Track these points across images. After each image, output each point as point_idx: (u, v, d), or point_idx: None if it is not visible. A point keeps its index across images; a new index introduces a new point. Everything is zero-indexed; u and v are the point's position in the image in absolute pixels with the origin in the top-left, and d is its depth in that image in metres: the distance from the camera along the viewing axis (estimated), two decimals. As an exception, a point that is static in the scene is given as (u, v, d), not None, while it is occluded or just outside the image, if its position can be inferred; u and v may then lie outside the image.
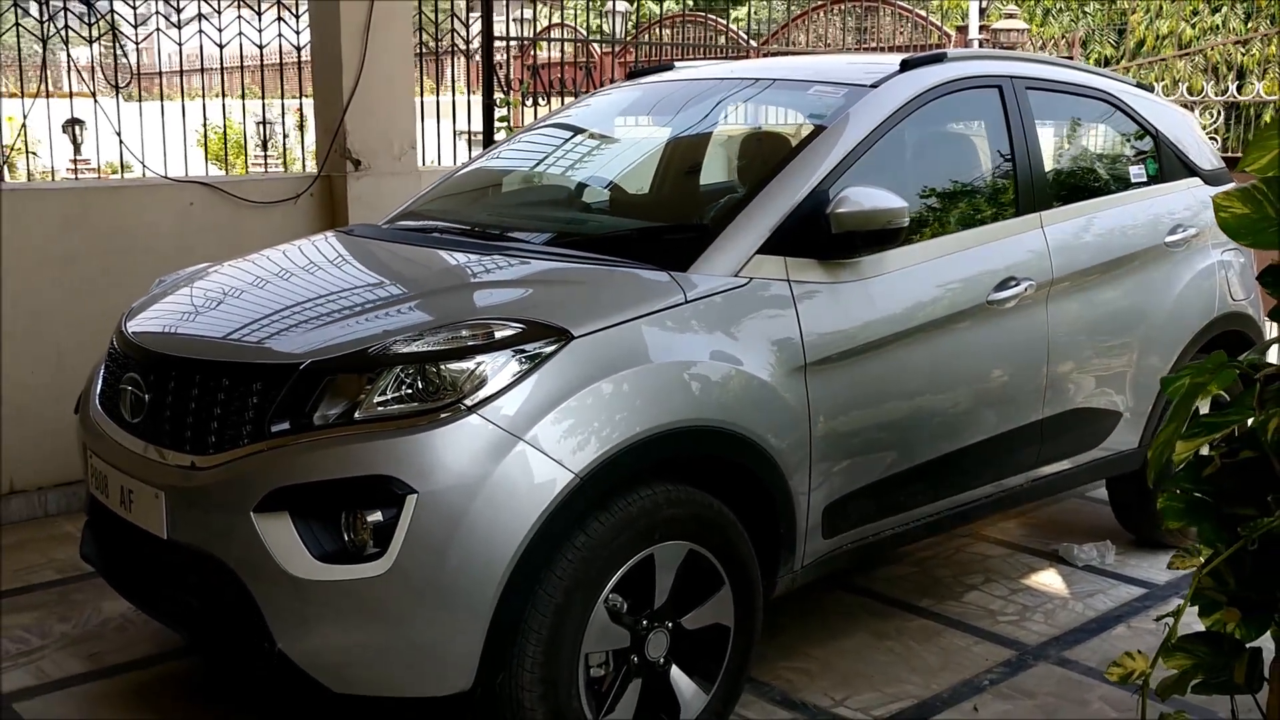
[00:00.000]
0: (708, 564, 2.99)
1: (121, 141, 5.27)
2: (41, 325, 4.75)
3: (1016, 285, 3.71)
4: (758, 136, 3.93)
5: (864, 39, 9.96)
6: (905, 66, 3.74)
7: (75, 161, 11.05)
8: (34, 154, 11.24)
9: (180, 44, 5.74)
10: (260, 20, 5.79)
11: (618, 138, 4.26)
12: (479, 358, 2.69)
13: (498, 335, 2.74)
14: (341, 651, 2.65)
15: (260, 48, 5.79)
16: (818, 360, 3.17)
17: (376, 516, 2.58)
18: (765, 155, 3.66)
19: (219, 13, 5.76)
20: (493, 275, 3.17)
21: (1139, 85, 4.71)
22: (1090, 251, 4.04)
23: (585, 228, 3.69)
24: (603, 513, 2.76)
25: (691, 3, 20.66)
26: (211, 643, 2.91)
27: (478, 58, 6.32)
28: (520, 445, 2.62)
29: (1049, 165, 4.07)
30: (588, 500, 2.70)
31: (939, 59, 3.84)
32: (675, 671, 2.99)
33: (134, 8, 5.75)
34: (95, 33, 5.58)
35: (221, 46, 5.68)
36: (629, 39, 11.47)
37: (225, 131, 10.05)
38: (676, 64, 4.59)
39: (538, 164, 4.19)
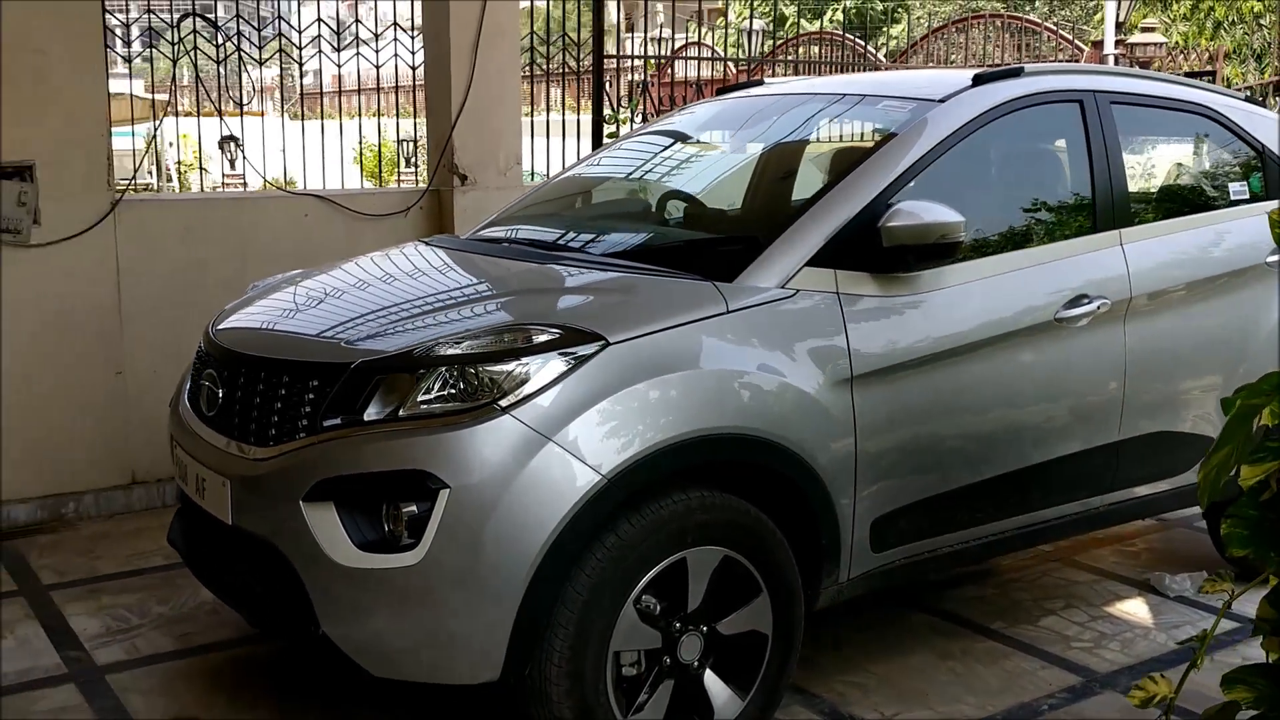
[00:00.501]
0: (744, 570, 3.03)
1: (245, 157, 5.59)
2: (165, 326, 5.06)
3: (1089, 303, 3.64)
4: (822, 151, 3.95)
5: (998, 55, 9.79)
6: (977, 81, 3.71)
7: (227, 176, 11.67)
8: (205, 170, 11.95)
9: (339, 65, 6.10)
10: (412, 44, 6.11)
11: (694, 151, 4.34)
12: (517, 361, 2.80)
13: (536, 340, 2.85)
14: (378, 636, 2.79)
15: (413, 69, 6.09)
16: (865, 373, 3.18)
17: (412, 509, 2.71)
18: (826, 169, 3.68)
19: (376, 36, 6.11)
20: (544, 284, 3.29)
21: (1249, 100, 4.55)
22: (1177, 270, 3.93)
23: (646, 239, 3.76)
24: (634, 515, 2.83)
25: (844, 19, 20.61)
26: (267, 623, 3.09)
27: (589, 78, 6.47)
28: (550, 446, 2.72)
29: (1135, 181, 3.97)
30: (616, 502, 2.77)
31: (1015, 73, 3.80)
32: (710, 676, 3.03)
33: (299, 33, 6.13)
34: (266, 55, 6.02)
35: (378, 67, 6.01)
36: (764, 58, 11.53)
37: (380, 149, 10.53)
38: (767, 81, 4.64)
39: (615, 177, 4.29)
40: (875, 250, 3.23)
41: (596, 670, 2.81)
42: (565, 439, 2.73)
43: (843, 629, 4.01)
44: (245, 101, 7.18)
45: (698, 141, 4.37)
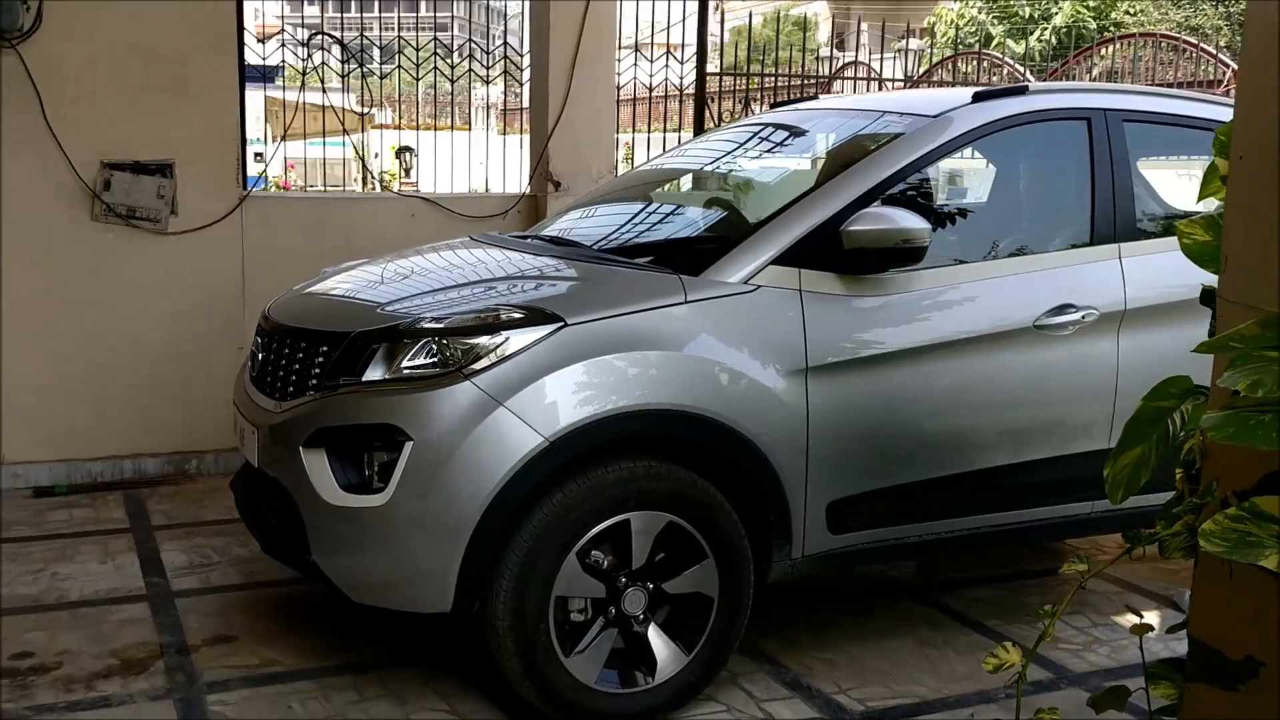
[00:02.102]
0: (690, 537, 3.34)
1: (365, 166, 6.21)
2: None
3: (1074, 313, 3.78)
4: (816, 161, 4.21)
5: (1144, 75, 9.62)
6: (977, 98, 3.91)
7: (403, 184, 12.56)
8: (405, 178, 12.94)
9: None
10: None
11: (730, 159, 4.65)
12: (483, 336, 3.21)
13: (503, 318, 3.25)
14: (354, 566, 3.25)
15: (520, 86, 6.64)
16: (821, 365, 3.44)
17: (383, 457, 3.16)
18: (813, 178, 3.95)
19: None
20: (534, 273, 3.68)
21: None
22: (1180, 285, 3.99)
23: (641, 237, 4.08)
24: (580, 476, 3.19)
25: (1053, 39, 20.24)
26: (276, 550, 3.58)
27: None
28: (500, 409, 3.11)
29: (1144, 197, 4.07)
30: (559, 462, 3.14)
31: (1019, 92, 3.98)
32: (654, 631, 3.35)
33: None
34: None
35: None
36: (919, 76, 11.63)
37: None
38: (821, 97, 4.92)
39: (646, 184, 4.65)
40: (839, 252, 3.49)
41: (539, 610, 3.18)
42: (515, 404, 3.12)
43: (837, 614, 4.25)
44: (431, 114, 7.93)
45: (730, 151, 4.68)
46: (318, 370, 3.41)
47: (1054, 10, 29.10)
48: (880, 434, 3.56)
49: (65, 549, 4.66)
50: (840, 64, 12.80)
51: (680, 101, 6.89)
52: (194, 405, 5.65)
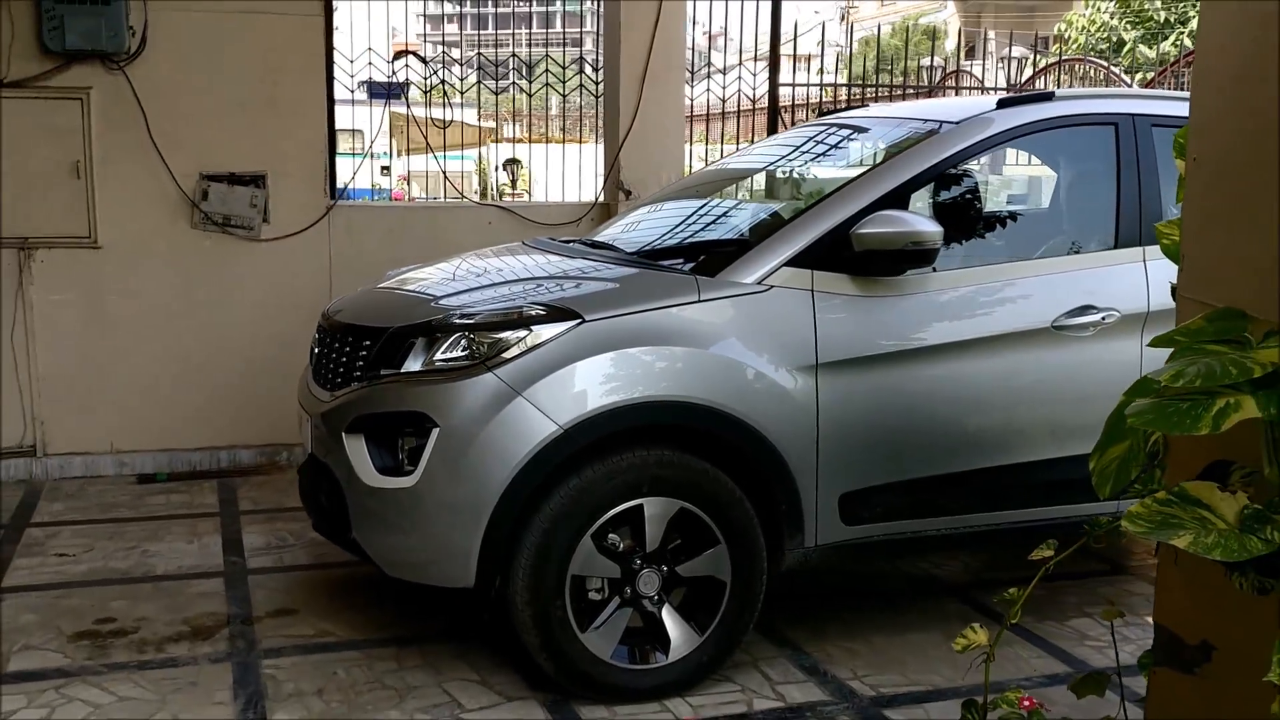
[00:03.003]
0: (703, 523, 3.53)
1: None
2: (363, 312, 6.06)
3: (1094, 314, 3.85)
4: (846, 166, 4.34)
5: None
6: (1001, 105, 4.02)
7: (512, 195, 12.97)
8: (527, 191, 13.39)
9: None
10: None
11: (767, 167, 4.82)
12: (507, 331, 3.46)
13: (525, 314, 3.50)
14: (388, 543, 3.53)
15: (596, 98, 6.90)
16: (832, 362, 3.60)
17: (413, 442, 3.43)
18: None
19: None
20: (567, 275, 3.91)
21: None
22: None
23: (670, 240, 4.27)
24: (597, 462, 3.41)
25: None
26: (325, 528, 3.88)
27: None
28: (518, 399, 3.36)
29: (1171, 201, 4.11)
30: (574, 448, 3.36)
31: (1046, 98, 4.07)
32: (668, 611, 3.55)
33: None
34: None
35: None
36: (1022, 84, 11.55)
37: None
38: (869, 104, 5.05)
39: (700, 190, 4.85)
40: (851, 255, 3.64)
41: (556, 587, 3.41)
42: (533, 395, 3.36)
43: (869, 608, 4.37)
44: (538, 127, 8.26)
45: (768, 160, 4.85)
46: (361, 363, 3.71)
47: (1191, 14, 28.25)
48: (891, 430, 3.69)
49: (158, 530, 5.07)
50: (941, 73, 12.76)
51: (753, 114, 7.06)
52: (284, 400, 6.01)
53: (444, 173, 6.63)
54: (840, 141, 4.49)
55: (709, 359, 3.50)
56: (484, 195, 15.14)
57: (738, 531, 3.56)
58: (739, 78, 6.94)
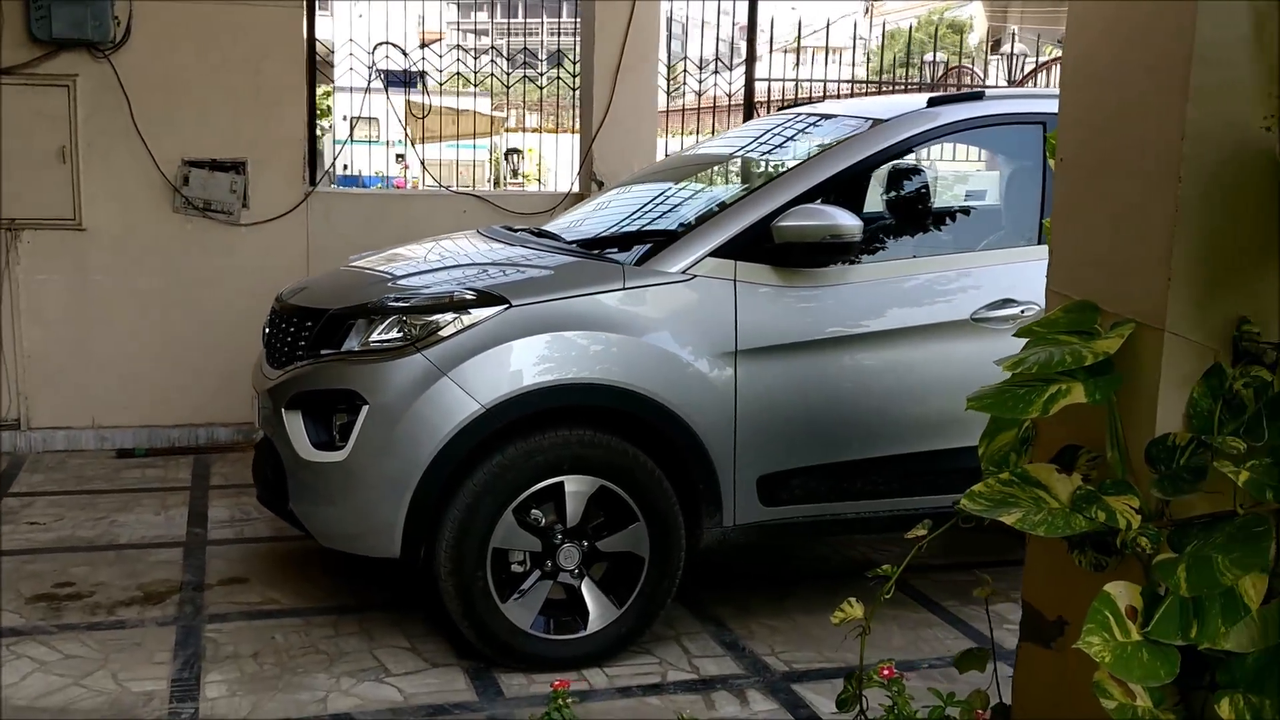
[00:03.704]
0: (622, 501, 3.68)
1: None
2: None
3: (1014, 307, 3.98)
4: (778, 160, 4.48)
5: None
6: (931, 103, 4.14)
7: (509, 182, 13.16)
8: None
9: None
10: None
11: (722, 160, 4.95)
12: (436, 314, 3.62)
13: (455, 299, 3.66)
14: (320, 515, 3.71)
15: (573, 90, 7.06)
16: (750, 349, 3.74)
17: (344, 419, 3.61)
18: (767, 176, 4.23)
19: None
20: (510, 261, 4.06)
21: None
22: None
23: (608, 230, 4.41)
24: (519, 441, 3.57)
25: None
26: (268, 501, 4.06)
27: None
28: (443, 379, 3.52)
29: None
30: (496, 427, 3.53)
31: (976, 97, 4.19)
32: (587, 585, 3.71)
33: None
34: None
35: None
36: (1019, 81, 11.62)
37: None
38: (827, 101, 5.18)
39: (654, 182, 4.99)
40: (771, 246, 3.78)
41: (477, 559, 3.57)
42: (458, 375, 3.52)
43: (801, 588, 4.52)
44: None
45: (716, 154, 4.99)
46: (304, 343, 3.88)
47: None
48: (809, 416, 3.83)
49: (129, 502, 5.27)
50: (943, 69, 12.84)
51: (729, 111, 7.20)
52: (261, 381, 6.23)
53: (422, 162, 6.80)
54: (785, 137, 4.62)
55: (629, 344, 3.65)
56: (497, 184, 15.38)
57: (656, 510, 3.71)
58: (715, 72, 7.07)
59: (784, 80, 7.45)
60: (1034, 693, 2.95)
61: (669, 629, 4.06)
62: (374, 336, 3.69)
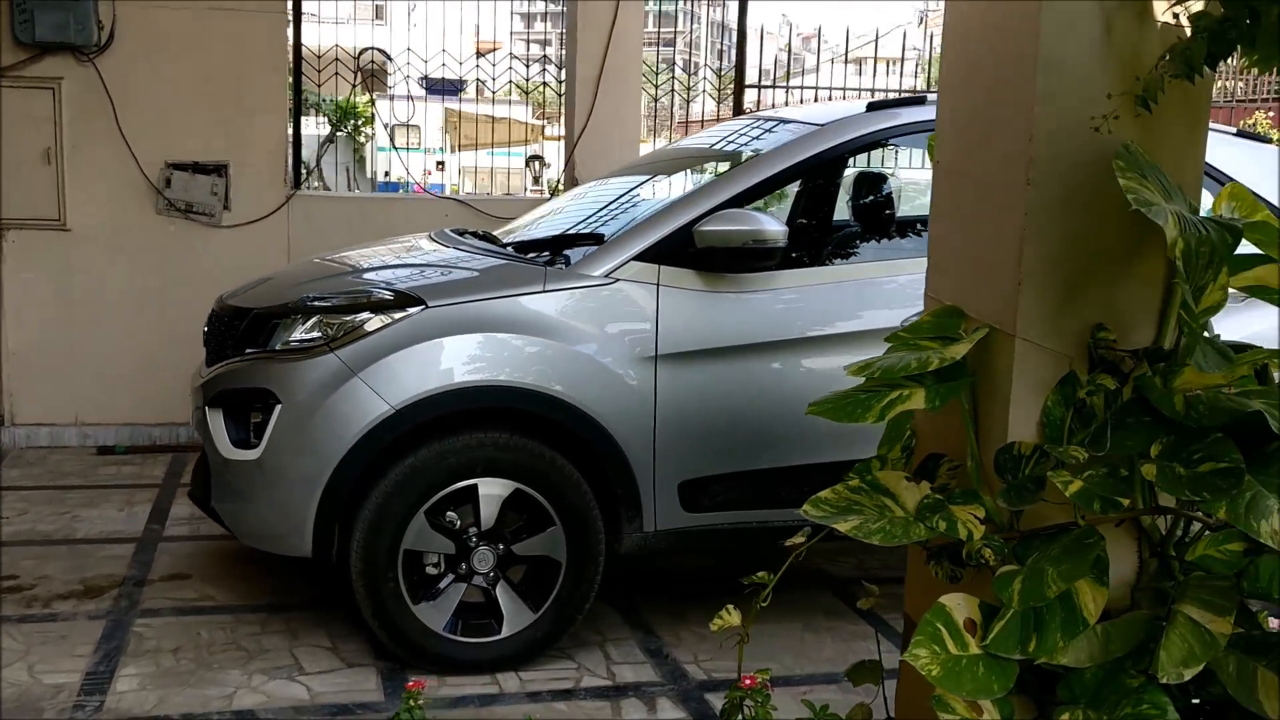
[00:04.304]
0: (538, 504, 3.67)
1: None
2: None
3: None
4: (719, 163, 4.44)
5: None
6: (871, 108, 4.09)
7: (531, 189, 13.19)
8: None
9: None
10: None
11: (664, 166, 4.92)
12: (352, 314, 3.64)
13: (373, 299, 3.68)
14: (238, 512, 3.74)
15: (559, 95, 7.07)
16: (671, 354, 3.71)
17: (259, 418, 3.63)
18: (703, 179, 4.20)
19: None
20: (436, 262, 4.07)
21: (1232, 130, 4.50)
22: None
23: (542, 235, 4.39)
24: (433, 443, 3.57)
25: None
26: (196, 498, 4.09)
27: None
28: (354, 379, 3.53)
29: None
30: (406, 428, 3.53)
31: (918, 101, 4.13)
32: (502, 588, 3.70)
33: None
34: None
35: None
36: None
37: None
38: (782, 107, 5.14)
39: (599, 187, 4.98)
40: (693, 250, 3.75)
41: (388, 560, 3.57)
42: (368, 375, 3.53)
43: (741, 596, 4.46)
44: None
45: (668, 159, 4.96)
46: (232, 342, 3.92)
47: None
48: (731, 421, 3.79)
49: (96, 497, 5.35)
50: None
51: (718, 115, 7.17)
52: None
53: (406, 167, 6.84)
54: (738, 142, 4.58)
55: (546, 347, 3.64)
56: (526, 189, 15.43)
57: (574, 514, 3.69)
58: (704, 78, 7.05)
59: (774, 87, 7.43)
60: (917, 705, 2.89)
61: (596, 634, 4.03)
62: (294, 336, 3.71)
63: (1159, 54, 2.24)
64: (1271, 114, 9.69)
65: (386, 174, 15.19)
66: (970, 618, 2.28)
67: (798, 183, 3.99)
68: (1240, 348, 2.52)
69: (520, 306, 3.68)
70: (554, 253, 3.99)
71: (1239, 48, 2.27)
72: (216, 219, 6.19)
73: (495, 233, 4.68)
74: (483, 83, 7.21)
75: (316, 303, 3.75)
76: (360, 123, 17.71)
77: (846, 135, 3.97)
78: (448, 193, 9.49)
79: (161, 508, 5.25)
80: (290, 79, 6.40)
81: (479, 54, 9.85)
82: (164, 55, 6.03)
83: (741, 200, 3.85)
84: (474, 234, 4.59)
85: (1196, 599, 2.24)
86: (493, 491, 3.64)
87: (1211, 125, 4.91)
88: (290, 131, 6.35)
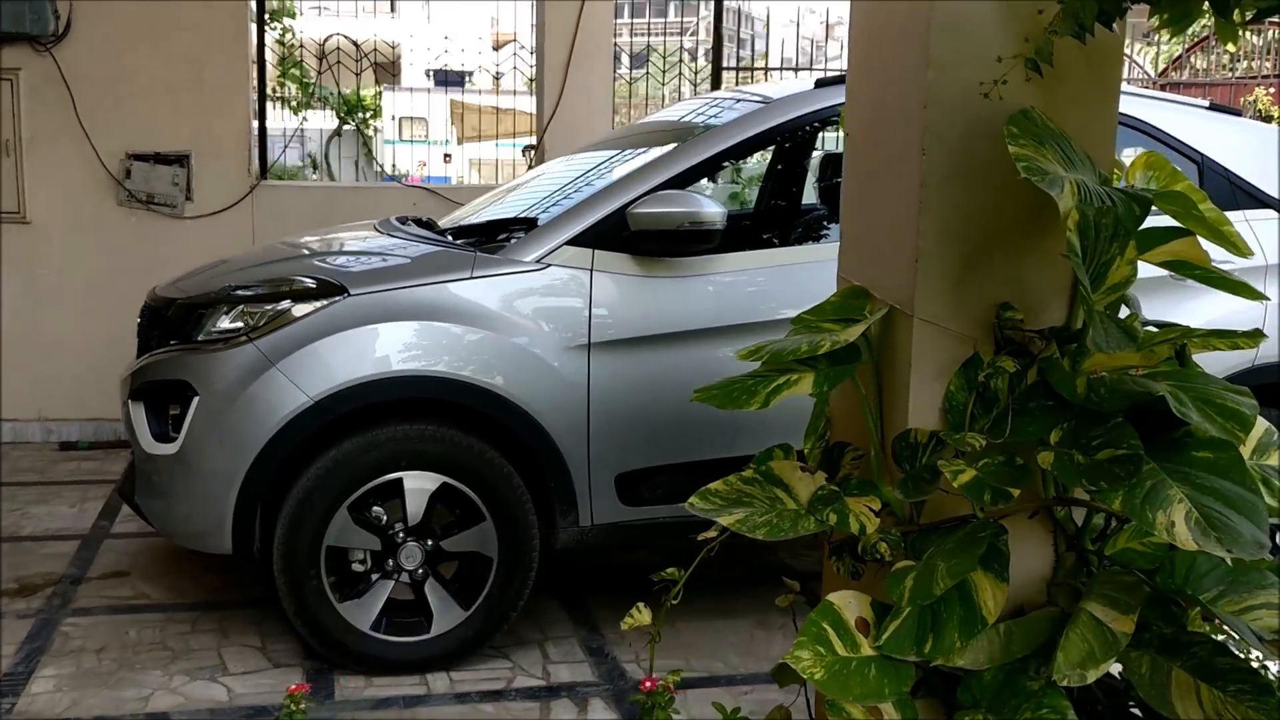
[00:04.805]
0: (468, 498, 3.54)
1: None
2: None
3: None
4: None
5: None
6: (819, 85, 3.94)
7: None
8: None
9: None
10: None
11: (619, 147, 4.77)
12: (273, 303, 3.52)
13: (295, 288, 3.56)
14: (158, 507, 3.63)
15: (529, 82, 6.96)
16: (605, 341, 3.58)
17: (177, 410, 3.52)
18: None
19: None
20: (368, 250, 3.94)
21: (1204, 104, 4.32)
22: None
23: (479, 220, 4.26)
24: (357, 435, 3.45)
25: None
26: (123, 493, 3.98)
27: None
28: (272, 370, 3.42)
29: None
30: (327, 420, 3.41)
31: (869, 78, 3.96)
32: (431, 585, 3.57)
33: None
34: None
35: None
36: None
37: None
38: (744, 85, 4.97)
39: (550, 171, 4.84)
40: (628, 234, 3.61)
41: (310, 556, 3.45)
42: (286, 365, 3.41)
43: (698, 592, 4.32)
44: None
45: (624, 138, 4.80)
46: (156, 333, 3.81)
47: None
48: (671, 412, 3.64)
49: (50, 494, 5.27)
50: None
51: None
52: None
53: (376, 160, 6.70)
54: (698, 120, 4.43)
55: (472, 334, 3.51)
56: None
57: (505, 508, 3.56)
58: (680, 60, 6.90)
59: (752, 69, 7.25)
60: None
61: (537, 631, 3.91)
62: (217, 326, 3.60)
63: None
64: (1272, 90, 9.45)
65: (393, 168, 15.16)
66: (862, 616, 2.14)
67: (741, 161, 3.83)
68: (1166, 327, 2.37)
69: (447, 294, 3.55)
70: (489, 238, 3.86)
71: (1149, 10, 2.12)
72: (179, 210, 6.09)
73: (442, 220, 4.55)
74: (489, 73, 7.10)
75: (239, 292, 3.63)
76: (368, 115, 17.65)
77: (792, 112, 3.82)
78: (454, 184, 9.34)
79: (114, 505, 5.14)
80: (254, 67, 6.28)
81: (496, 46, 9.77)
82: (123, 45, 5.93)
83: (683, 180, 3.71)
84: (416, 221, 4.46)
85: (1103, 596, 2.09)
86: (419, 485, 3.51)
87: (1182, 99, 4.74)
88: (255, 121, 6.23)
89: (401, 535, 3.53)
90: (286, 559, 3.46)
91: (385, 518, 3.52)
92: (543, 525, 3.64)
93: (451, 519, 3.58)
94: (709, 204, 3.56)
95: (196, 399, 3.47)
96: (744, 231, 3.78)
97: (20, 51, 5.84)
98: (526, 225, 3.85)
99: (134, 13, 5.91)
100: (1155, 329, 2.36)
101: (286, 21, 10.44)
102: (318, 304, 3.49)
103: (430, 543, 3.56)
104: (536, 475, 3.60)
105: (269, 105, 11.57)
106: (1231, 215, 4.14)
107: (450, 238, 4.02)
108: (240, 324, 3.56)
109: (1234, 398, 1.98)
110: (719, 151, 3.78)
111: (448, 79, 12.27)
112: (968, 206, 2.20)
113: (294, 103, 13.77)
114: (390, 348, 3.47)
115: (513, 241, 3.70)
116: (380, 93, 16.06)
